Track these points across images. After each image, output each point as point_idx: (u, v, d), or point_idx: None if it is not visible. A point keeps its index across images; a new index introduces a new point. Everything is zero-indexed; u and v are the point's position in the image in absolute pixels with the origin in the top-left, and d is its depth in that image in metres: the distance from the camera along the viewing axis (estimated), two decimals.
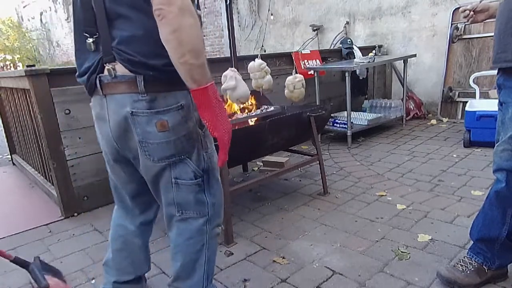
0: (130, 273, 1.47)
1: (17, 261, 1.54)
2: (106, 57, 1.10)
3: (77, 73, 1.22)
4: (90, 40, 1.12)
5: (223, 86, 2.34)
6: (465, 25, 4.34)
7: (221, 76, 2.41)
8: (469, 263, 1.57)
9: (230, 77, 2.33)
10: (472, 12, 1.62)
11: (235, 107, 2.67)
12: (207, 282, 1.33)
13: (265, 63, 2.51)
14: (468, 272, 1.54)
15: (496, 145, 1.48)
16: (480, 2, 1.62)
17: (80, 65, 1.19)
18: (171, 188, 1.21)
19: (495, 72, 1.54)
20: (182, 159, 1.18)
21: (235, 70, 2.39)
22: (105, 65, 1.11)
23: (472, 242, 1.61)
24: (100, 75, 1.12)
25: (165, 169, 1.18)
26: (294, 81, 2.67)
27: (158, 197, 1.28)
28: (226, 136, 1.13)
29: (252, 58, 2.68)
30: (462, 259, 1.60)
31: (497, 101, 1.55)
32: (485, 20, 1.66)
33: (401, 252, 1.84)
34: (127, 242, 1.48)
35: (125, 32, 1.07)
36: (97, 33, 1.11)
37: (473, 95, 3.97)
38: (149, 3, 0.99)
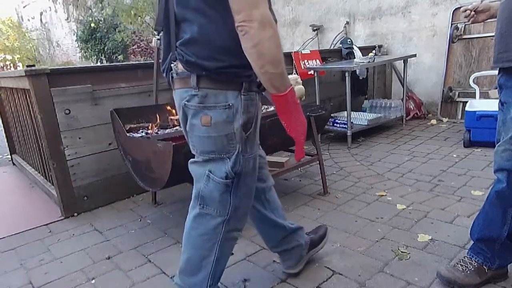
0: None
1: None
2: (173, 56, 1.20)
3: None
4: (156, 37, 1.26)
5: None
6: (465, 25, 4.34)
7: None
8: (469, 263, 1.56)
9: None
10: (473, 12, 1.62)
11: None
12: (212, 282, 1.32)
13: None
14: (468, 272, 1.54)
15: (497, 145, 1.48)
16: (481, 2, 1.62)
17: (162, 63, 1.30)
18: (202, 179, 1.26)
19: (495, 72, 1.54)
20: (222, 158, 1.22)
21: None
22: (171, 63, 1.21)
23: (472, 242, 1.61)
24: (171, 72, 1.23)
25: (205, 161, 1.25)
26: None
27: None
28: (302, 136, 1.22)
29: None
30: (462, 259, 1.60)
31: (497, 101, 1.55)
32: (486, 20, 1.66)
33: (401, 252, 1.84)
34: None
35: (187, 34, 1.14)
36: (165, 33, 1.22)
37: (473, 95, 3.97)
38: (212, 8, 1.08)
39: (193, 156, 1.32)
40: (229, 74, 1.14)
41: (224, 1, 1.04)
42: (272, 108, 2.80)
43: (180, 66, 1.19)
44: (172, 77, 1.23)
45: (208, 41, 1.12)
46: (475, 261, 1.56)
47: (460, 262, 1.59)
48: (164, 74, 1.29)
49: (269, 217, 1.55)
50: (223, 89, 1.16)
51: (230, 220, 1.29)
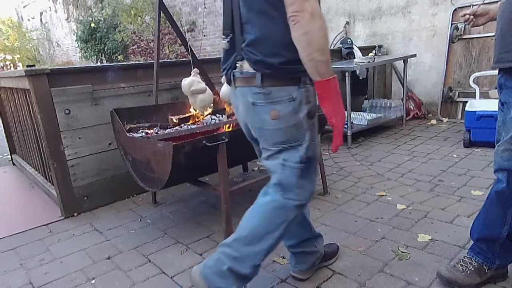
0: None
1: None
2: (238, 56, 1.31)
3: (221, 68, 1.44)
4: (225, 40, 1.34)
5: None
6: (465, 25, 4.33)
7: (221, 77, 2.41)
8: (469, 263, 1.56)
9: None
10: (472, 16, 1.62)
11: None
12: (264, 257, 1.39)
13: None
14: (468, 272, 1.54)
15: (497, 145, 1.48)
16: (479, 6, 1.62)
17: (223, 63, 1.41)
18: (278, 168, 1.36)
19: (495, 72, 1.54)
20: (294, 146, 1.33)
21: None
22: (236, 63, 1.31)
23: (472, 242, 1.61)
24: (233, 70, 1.34)
25: (278, 152, 1.34)
26: None
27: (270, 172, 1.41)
28: (341, 123, 1.26)
29: None
30: (462, 259, 1.60)
31: (497, 101, 1.55)
32: (486, 23, 1.66)
33: (401, 252, 1.84)
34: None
35: (252, 35, 1.25)
36: (231, 35, 1.32)
37: (473, 95, 3.97)
38: (274, 9, 1.19)
39: (250, 154, 1.46)
40: (289, 70, 1.24)
41: (282, 1, 1.15)
42: None
43: (245, 65, 1.29)
44: (234, 76, 1.34)
45: (271, 39, 1.23)
46: (475, 261, 1.56)
47: (460, 262, 1.58)
48: (224, 73, 1.40)
49: (303, 213, 1.56)
50: (284, 85, 1.27)
51: (304, 202, 1.40)
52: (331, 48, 5.40)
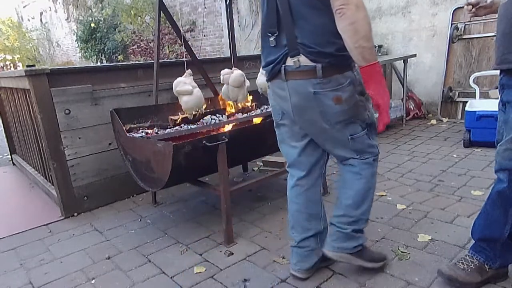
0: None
1: None
2: (292, 51, 1.42)
3: (262, 63, 1.58)
4: (272, 38, 1.47)
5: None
6: (465, 25, 4.34)
7: (220, 76, 2.41)
8: (471, 261, 1.56)
9: (241, 74, 2.32)
10: (474, 9, 1.61)
11: (234, 107, 2.67)
12: (370, 209, 1.66)
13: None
14: (469, 270, 1.54)
15: (498, 144, 1.48)
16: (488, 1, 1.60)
17: (265, 58, 1.55)
18: (348, 143, 1.54)
19: (495, 72, 1.54)
20: (353, 121, 1.51)
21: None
22: (290, 58, 1.42)
23: (473, 241, 1.61)
24: (285, 65, 1.45)
25: (340, 130, 1.51)
26: None
27: (333, 150, 1.60)
28: (387, 103, 1.39)
29: (252, 58, 2.69)
30: (463, 258, 1.59)
31: (497, 101, 1.55)
32: (486, 15, 1.64)
33: (401, 252, 1.84)
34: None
35: (306, 30, 1.38)
36: (277, 33, 1.45)
37: (473, 95, 3.96)
38: (324, 4, 1.31)
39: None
40: (343, 57, 1.38)
41: None
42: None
43: (302, 59, 1.41)
44: (286, 70, 1.45)
45: (324, 30, 1.37)
46: (476, 259, 1.56)
47: (461, 260, 1.58)
48: (269, 68, 1.51)
49: (322, 206, 1.72)
50: (341, 72, 1.42)
51: (377, 154, 1.64)
52: None
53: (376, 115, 1.48)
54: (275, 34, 1.46)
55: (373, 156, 1.62)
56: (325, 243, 1.68)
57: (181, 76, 2.26)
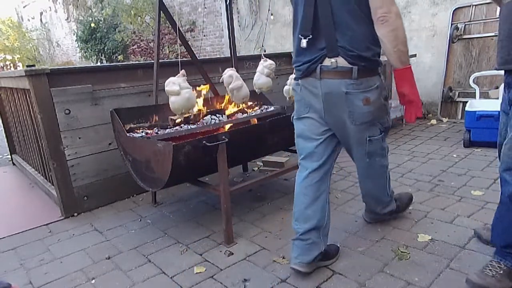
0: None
1: None
2: (331, 53, 1.55)
3: (295, 64, 1.69)
4: (304, 40, 1.59)
5: (231, 86, 2.32)
6: (465, 25, 4.34)
7: (220, 76, 2.41)
8: (498, 266, 1.51)
9: (236, 76, 2.31)
10: None
11: (234, 107, 2.67)
12: (389, 192, 1.99)
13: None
14: (499, 276, 1.48)
15: (504, 143, 1.45)
16: None
17: (298, 57, 1.67)
18: (364, 144, 1.71)
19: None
20: (375, 123, 1.68)
21: (234, 69, 2.38)
22: (328, 58, 1.56)
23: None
24: (321, 65, 1.58)
25: (362, 131, 1.67)
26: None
27: (350, 150, 1.79)
28: (419, 100, 1.61)
29: (252, 58, 2.69)
30: (490, 264, 1.53)
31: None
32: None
33: (401, 252, 1.84)
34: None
35: (347, 35, 1.52)
36: (311, 36, 1.57)
37: (473, 95, 3.96)
38: (365, 14, 1.49)
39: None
40: (376, 62, 1.59)
41: (368, 5, 1.46)
42: (272, 108, 2.80)
43: (340, 61, 1.55)
44: (322, 69, 1.58)
45: (364, 37, 1.53)
46: (504, 264, 1.51)
47: (488, 267, 1.52)
48: (306, 66, 1.62)
49: (327, 199, 1.80)
50: (371, 76, 1.58)
51: (387, 157, 1.88)
52: None
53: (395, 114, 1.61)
54: (308, 37, 1.58)
55: (384, 158, 1.85)
56: (364, 214, 2.15)
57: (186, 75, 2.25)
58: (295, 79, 1.75)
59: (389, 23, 1.45)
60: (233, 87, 2.31)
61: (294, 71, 1.75)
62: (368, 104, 1.59)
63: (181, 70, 2.10)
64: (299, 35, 1.61)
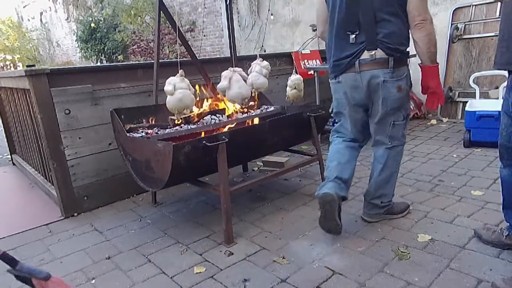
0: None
1: (5, 257, 1.44)
2: (370, 46, 1.81)
3: (335, 58, 1.93)
4: (352, 36, 1.83)
5: (218, 86, 2.33)
6: (465, 25, 4.34)
7: (220, 76, 2.41)
8: None
9: (224, 77, 2.31)
10: None
11: (235, 107, 2.67)
12: (394, 188, 2.15)
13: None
14: None
15: None
16: None
17: (338, 54, 1.91)
18: (388, 127, 1.97)
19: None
20: (400, 109, 1.94)
21: (238, 70, 2.37)
22: (367, 51, 1.82)
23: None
24: (360, 59, 1.84)
25: (389, 115, 1.93)
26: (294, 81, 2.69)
27: (376, 132, 2.04)
28: (442, 92, 1.93)
29: (252, 58, 2.68)
30: None
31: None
32: None
33: (401, 252, 1.84)
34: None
35: (386, 30, 1.79)
36: (358, 32, 1.82)
37: (473, 95, 3.96)
38: (403, 13, 1.78)
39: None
40: (406, 54, 1.87)
41: (405, 8, 1.77)
42: (272, 108, 2.80)
43: (378, 53, 1.81)
44: (360, 62, 1.83)
45: (400, 33, 1.81)
46: None
47: None
48: (347, 61, 1.87)
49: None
50: (402, 66, 1.85)
51: (404, 143, 2.07)
52: None
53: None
54: (355, 33, 1.83)
55: (401, 144, 2.06)
56: (363, 213, 2.19)
57: (186, 75, 2.25)
58: (334, 77, 2.00)
59: (425, 28, 1.76)
60: (219, 88, 2.32)
61: (331, 68, 1.99)
62: (400, 91, 1.87)
63: (180, 70, 2.10)
64: (347, 32, 1.85)
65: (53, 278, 1.39)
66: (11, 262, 1.35)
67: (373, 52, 1.81)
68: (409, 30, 1.84)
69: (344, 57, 1.87)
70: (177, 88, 2.06)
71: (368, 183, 2.15)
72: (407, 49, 1.87)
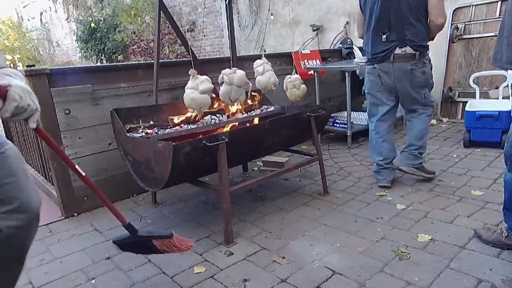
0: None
1: (129, 227, 1.56)
2: (401, 44, 2.41)
3: (372, 52, 2.53)
4: (384, 36, 2.43)
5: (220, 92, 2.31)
6: (465, 25, 4.34)
7: (218, 77, 2.41)
8: None
9: (207, 79, 2.23)
10: None
11: (235, 107, 2.67)
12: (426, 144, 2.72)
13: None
14: None
15: None
16: None
17: (374, 49, 2.51)
18: (421, 100, 2.58)
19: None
20: (426, 85, 2.56)
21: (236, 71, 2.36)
22: (399, 48, 2.41)
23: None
24: (394, 53, 2.43)
25: (419, 91, 2.55)
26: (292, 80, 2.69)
27: (412, 103, 2.62)
28: None
29: (252, 58, 2.69)
30: None
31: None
32: None
33: (401, 252, 1.84)
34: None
35: (412, 31, 2.38)
36: (388, 32, 2.41)
37: (473, 95, 3.96)
38: (424, 18, 2.40)
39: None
40: (427, 48, 2.48)
41: (427, 14, 2.39)
42: (272, 108, 2.80)
43: (407, 49, 2.40)
44: (394, 56, 2.42)
45: (423, 33, 2.42)
46: None
47: None
48: (383, 54, 2.46)
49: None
50: (424, 56, 2.46)
51: (433, 108, 2.75)
52: (331, 48, 5.40)
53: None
54: (386, 33, 2.42)
55: (432, 108, 2.68)
56: (400, 164, 2.68)
57: (185, 76, 2.25)
58: (371, 64, 2.56)
59: (442, 27, 2.42)
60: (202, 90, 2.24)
61: (369, 58, 2.56)
62: (424, 74, 2.48)
63: (193, 68, 2.11)
64: (380, 32, 2.44)
65: (175, 236, 1.63)
66: (133, 230, 1.55)
67: (404, 49, 2.40)
68: (428, 26, 2.43)
69: (380, 51, 2.46)
70: (188, 87, 2.09)
71: (406, 141, 2.71)
72: (427, 43, 2.47)
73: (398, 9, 2.34)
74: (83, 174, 1.40)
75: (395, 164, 2.69)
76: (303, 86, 2.69)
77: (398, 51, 2.40)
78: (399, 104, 2.69)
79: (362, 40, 2.66)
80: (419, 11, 2.35)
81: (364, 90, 2.74)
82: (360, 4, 2.57)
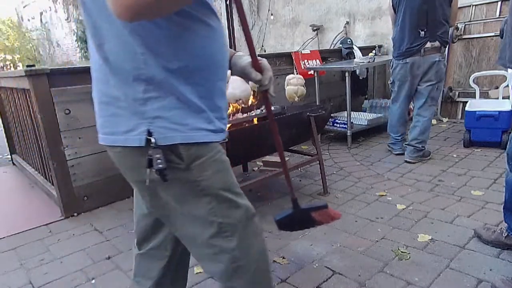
0: None
1: (295, 201, 1.58)
2: (432, 39, 2.88)
3: (408, 46, 2.95)
4: (422, 32, 2.86)
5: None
6: (465, 25, 4.34)
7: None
8: None
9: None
10: None
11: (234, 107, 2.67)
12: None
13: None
14: None
15: None
16: None
17: (408, 44, 2.95)
18: (434, 90, 3.02)
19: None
20: (443, 79, 3.03)
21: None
22: (430, 42, 2.88)
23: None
24: (425, 46, 2.90)
25: (436, 83, 3.00)
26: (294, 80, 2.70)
27: (424, 96, 3.07)
28: None
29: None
30: None
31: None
32: None
33: (401, 252, 1.84)
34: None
35: (441, 29, 2.89)
36: (425, 29, 2.86)
37: (473, 95, 3.96)
38: (447, 18, 2.91)
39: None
40: (447, 43, 2.96)
41: (449, 15, 2.93)
42: (272, 108, 2.80)
43: (436, 43, 2.89)
44: (425, 49, 2.90)
45: (447, 30, 2.92)
46: None
47: None
48: (416, 48, 2.92)
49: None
50: (442, 52, 2.95)
51: (437, 105, 3.33)
52: (331, 48, 5.39)
53: None
54: (424, 30, 2.86)
55: (436, 104, 3.10)
56: (406, 157, 3.13)
57: None
58: (402, 57, 2.99)
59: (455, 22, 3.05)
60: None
61: (401, 52, 2.97)
62: (444, 67, 3.00)
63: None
64: (419, 29, 2.87)
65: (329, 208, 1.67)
66: (297, 205, 1.61)
67: (434, 43, 2.87)
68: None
69: (415, 45, 2.91)
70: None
71: (409, 135, 3.11)
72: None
73: (434, 11, 2.83)
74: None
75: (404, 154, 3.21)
76: (302, 88, 2.71)
77: (428, 45, 2.87)
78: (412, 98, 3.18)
79: (392, 35, 3.09)
80: (446, 14, 2.87)
81: (391, 80, 3.20)
82: (392, 4, 2.99)
